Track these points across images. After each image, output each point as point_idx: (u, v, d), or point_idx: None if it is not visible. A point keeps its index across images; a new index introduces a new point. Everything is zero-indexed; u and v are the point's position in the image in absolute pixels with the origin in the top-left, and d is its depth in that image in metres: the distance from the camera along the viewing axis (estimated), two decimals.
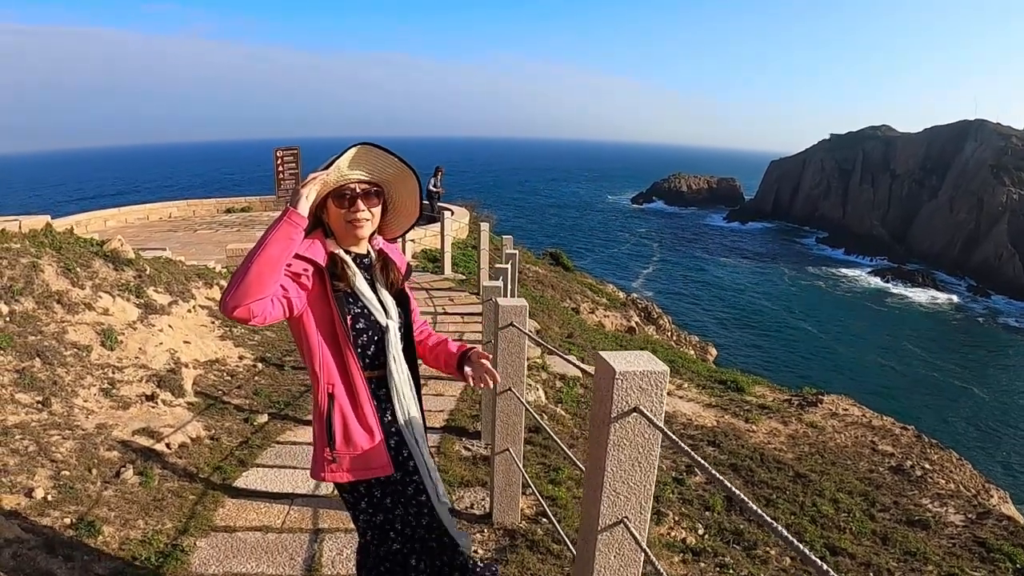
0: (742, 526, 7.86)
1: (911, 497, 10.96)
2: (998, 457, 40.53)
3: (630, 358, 2.48)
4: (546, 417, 8.85)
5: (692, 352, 24.90)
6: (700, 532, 7.43)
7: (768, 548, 7.53)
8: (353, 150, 2.78)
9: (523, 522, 5.39)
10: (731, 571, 6.58)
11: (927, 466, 12.73)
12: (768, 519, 1.82)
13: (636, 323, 24.44)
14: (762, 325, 64.31)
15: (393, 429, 2.94)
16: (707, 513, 7.83)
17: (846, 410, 15.20)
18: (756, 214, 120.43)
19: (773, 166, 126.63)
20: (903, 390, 50.53)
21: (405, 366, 2.96)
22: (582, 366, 3.52)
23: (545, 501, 5.75)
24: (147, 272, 9.71)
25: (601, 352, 2.52)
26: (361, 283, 2.88)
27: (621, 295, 29.48)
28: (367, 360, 2.88)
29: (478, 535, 5.16)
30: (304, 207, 2.57)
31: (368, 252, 3.04)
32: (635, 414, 2.42)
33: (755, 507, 1.87)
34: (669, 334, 26.77)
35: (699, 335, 32.24)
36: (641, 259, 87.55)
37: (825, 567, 1.60)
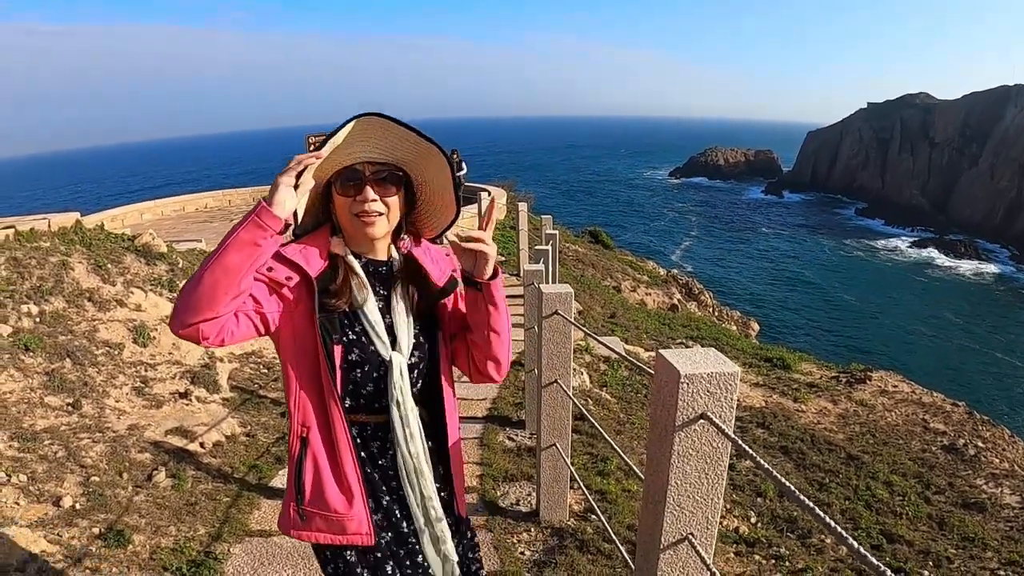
0: (795, 513, 7.61)
1: (965, 478, 10.63)
2: None
3: (695, 358, 2.21)
4: (591, 402, 8.64)
5: (735, 328, 24.70)
6: (752, 520, 7.19)
7: (823, 536, 7.28)
8: (353, 122, 2.11)
9: (571, 519, 5.16)
10: (787, 563, 6.34)
11: (980, 444, 12.36)
12: (829, 521, 1.57)
13: (678, 300, 24.21)
14: (804, 298, 63.70)
15: (393, 485, 2.28)
16: (759, 500, 7.59)
17: (895, 386, 14.85)
18: (794, 186, 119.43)
19: (810, 137, 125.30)
20: (949, 364, 49.71)
21: (415, 412, 2.22)
22: (633, 358, 3.26)
23: (594, 496, 5.52)
24: (180, 265, 9.58)
25: (663, 352, 2.25)
26: (368, 301, 2.20)
27: (662, 272, 29.18)
28: (361, 400, 2.21)
29: (525, 534, 4.95)
30: (283, 204, 1.93)
31: (390, 259, 2.33)
32: (702, 421, 2.15)
33: (826, 518, 1.61)
34: (711, 310, 26.54)
35: (741, 310, 31.86)
36: (680, 234, 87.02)
37: (882, 567, 1.34)
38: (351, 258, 2.22)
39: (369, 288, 2.22)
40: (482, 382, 2.45)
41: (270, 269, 2.05)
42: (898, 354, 48.49)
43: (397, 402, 2.17)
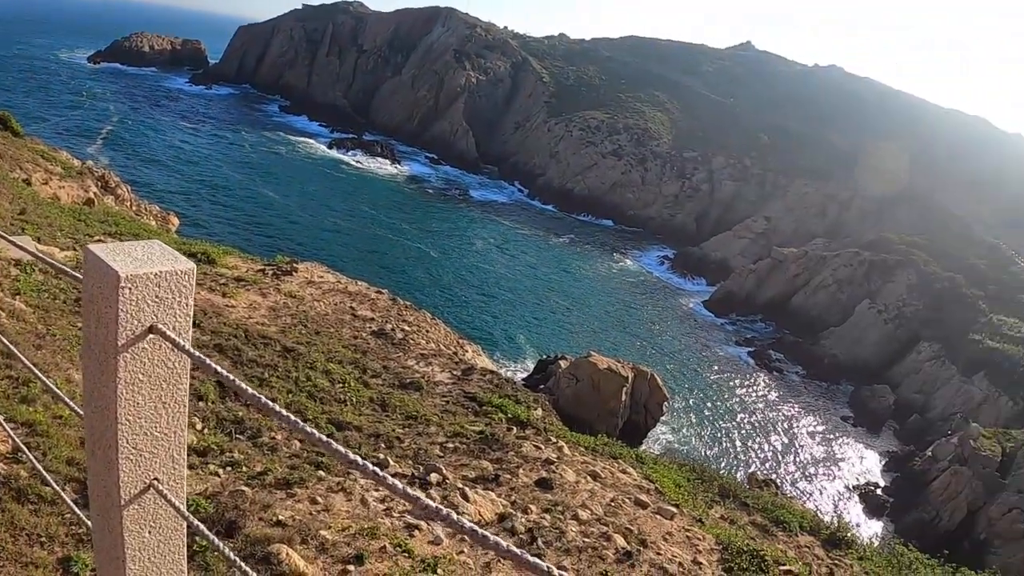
0: (240, 412, 7.46)
1: (398, 360, 11.47)
2: (462, 314, 44.84)
3: (137, 253, 1.71)
4: (3, 315, 7.53)
5: (154, 223, 24.49)
6: (199, 427, 6.85)
7: (274, 434, 7.22)
8: None
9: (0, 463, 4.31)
10: (244, 468, 6.10)
11: (406, 328, 13.51)
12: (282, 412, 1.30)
13: (94, 194, 23.08)
14: (225, 192, 64.81)
15: None
16: (201, 403, 7.27)
17: (321, 277, 15.59)
18: (220, 78, 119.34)
19: (241, 31, 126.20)
20: (369, 254, 53.75)
21: None
22: (49, 259, 2.63)
23: (20, 430, 4.71)
24: None
25: (94, 247, 1.72)
26: None
27: (76, 163, 27.33)
28: None
29: None
30: None
31: None
32: (152, 336, 1.69)
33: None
34: (128, 204, 25.90)
35: (160, 205, 31.64)
36: (98, 123, 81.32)
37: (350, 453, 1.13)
38: None
39: None
40: None
41: None
42: (321, 245, 51.52)
43: None
